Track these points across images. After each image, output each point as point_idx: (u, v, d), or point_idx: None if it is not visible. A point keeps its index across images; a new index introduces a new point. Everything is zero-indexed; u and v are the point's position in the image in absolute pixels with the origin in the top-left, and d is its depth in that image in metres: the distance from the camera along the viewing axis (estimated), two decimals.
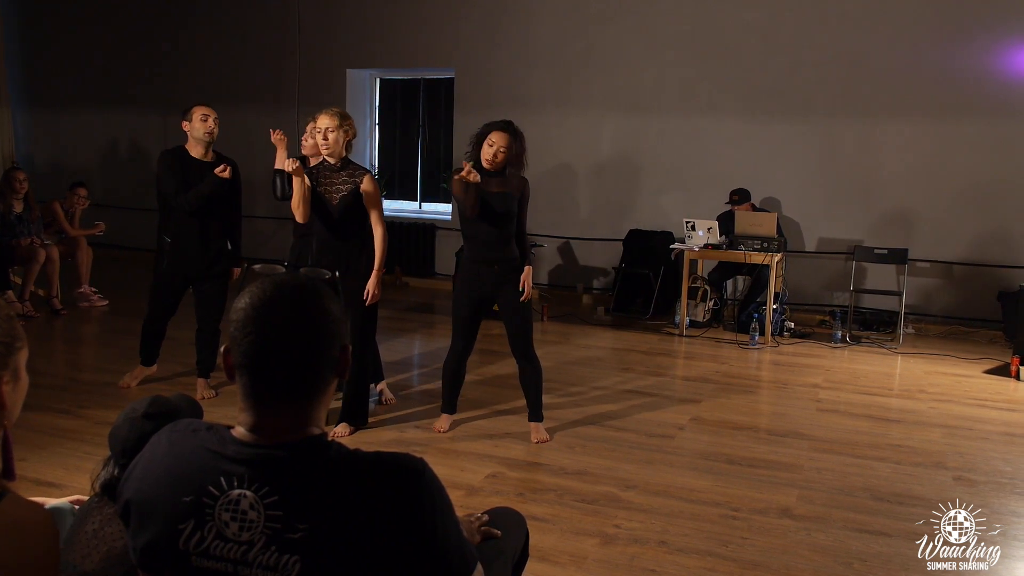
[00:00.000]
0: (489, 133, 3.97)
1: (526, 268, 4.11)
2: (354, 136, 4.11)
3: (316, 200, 4.07)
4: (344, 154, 4.08)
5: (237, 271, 4.89)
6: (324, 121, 4.01)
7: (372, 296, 4.11)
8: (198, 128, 4.62)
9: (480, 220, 3.99)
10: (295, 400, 1.27)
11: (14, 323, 1.28)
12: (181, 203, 4.58)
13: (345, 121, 4.04)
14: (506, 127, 3.98)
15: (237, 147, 9.36)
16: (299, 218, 4.05)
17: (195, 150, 4.66)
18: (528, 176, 4.19)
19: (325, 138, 4.01)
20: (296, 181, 3.97)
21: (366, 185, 4.06)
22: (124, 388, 4.88)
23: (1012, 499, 3.63)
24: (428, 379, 5.35)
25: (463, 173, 3.80)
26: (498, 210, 4.00)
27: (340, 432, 4.18)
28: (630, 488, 3.63)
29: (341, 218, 4.06)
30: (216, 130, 4.65)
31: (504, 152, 3.96)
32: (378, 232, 4.12)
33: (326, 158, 4.08)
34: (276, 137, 4.91)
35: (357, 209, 4.08)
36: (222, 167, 4.57)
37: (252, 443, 1.26)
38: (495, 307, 4.21)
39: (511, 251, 4.10)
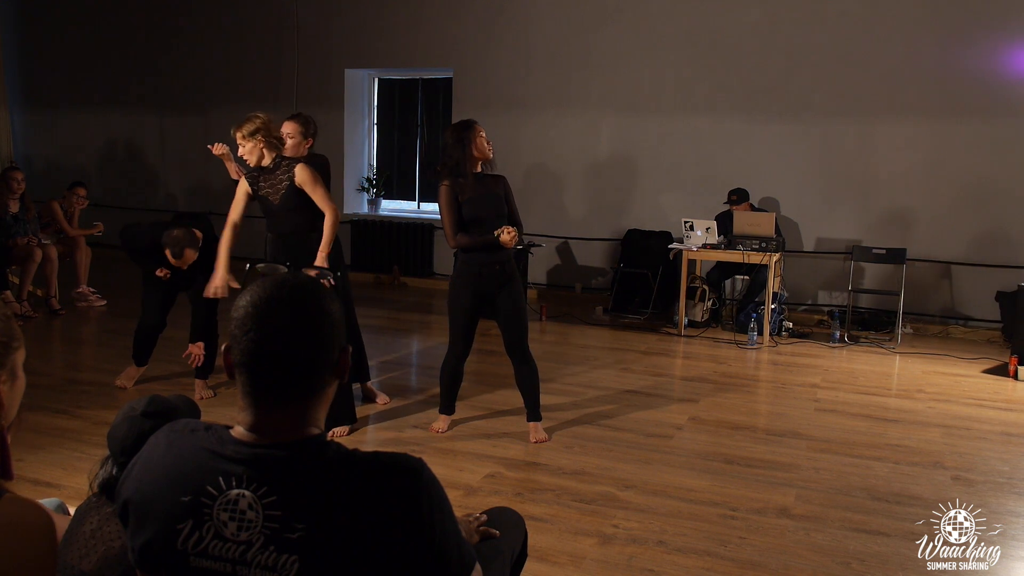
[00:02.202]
0: (474, 126, 3.99)
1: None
2: (277, 137, 4.06)
3: (263, 203, 4.12)
4: (276, 154, 4.06)
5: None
6: (237, 137, 4.01)
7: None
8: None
9: (482, 224, 3.99)
10: (294, 400, 1.27)
11: (11, 323, 1.27)
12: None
13: (254, 134, 3.97)
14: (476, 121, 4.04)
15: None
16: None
17: None
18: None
19: (242, 155, 4.05)
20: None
21: (298, 176, 4.02)
22: (120, 388, 4.88)
23: (1010, 499, 3.64)
24: (426, 379, 5.35)
25: (510, 239, 3.90)
26: (495, 211, 4.00)
27: (339, 432, 4.17)
28: (628, 488, 3.63)
29: (287, 215, 4.07)
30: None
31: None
32: (327, 214, 4.04)
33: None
34: (217, 151, 4.84)
35: (302, 204, 4.05)
36: (162, 272, 4.59)
37: (251, 443, 1.26)
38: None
39: (509, 251, 4.10)
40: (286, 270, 3.89)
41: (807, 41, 7.49)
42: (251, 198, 4.16)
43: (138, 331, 4.89)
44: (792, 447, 4.22)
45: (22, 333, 1.30)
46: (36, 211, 7.21)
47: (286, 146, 4.60)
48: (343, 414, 4.24)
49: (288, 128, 4.58)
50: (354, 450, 1.29)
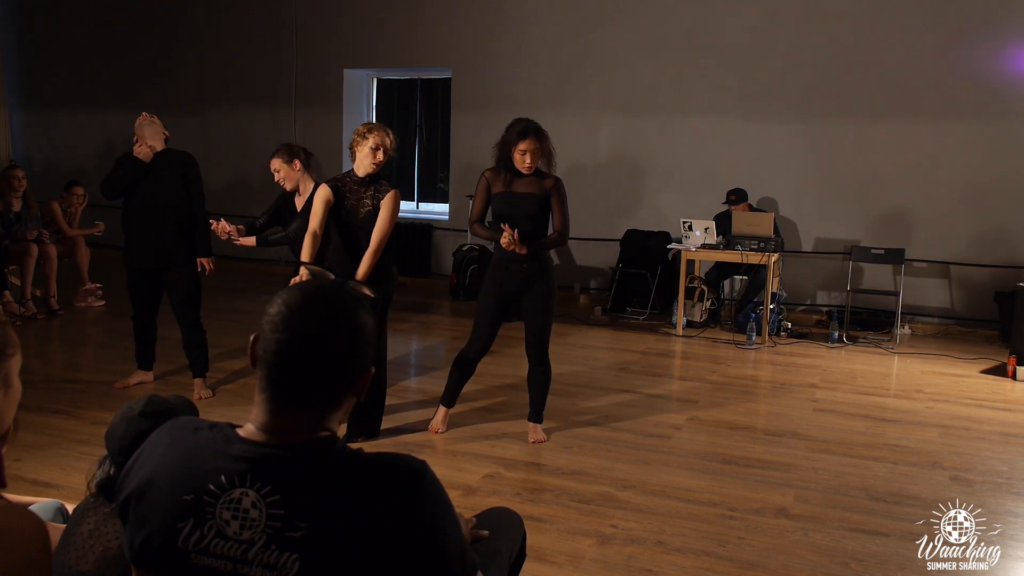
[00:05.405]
0: (518, 142, 3.94)
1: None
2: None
3: (338, 214, 4.01)
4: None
5: (205, 261, 4.67)
6: (379, 139, 3.95)
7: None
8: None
9: (507, 220, 3.97)
10: (307, 407, 1.27)
11: (6, 329, 1.26)
12: (103, 188, 4.62)
13: (387, 137, 3.99)
14: (533, 132, 3.95)
15: (235, 147, 9.38)
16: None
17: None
18: None
19: (374, 157, 3.97)
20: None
21: (386, 200, 3.99)
22: (118, 388, 4.89)
23: (1009, 499, 3.64)
24: (425, 379, 5.35)
25: (507, 243, 3.87)
26: (522, 211, 3.98)
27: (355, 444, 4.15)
28: (627, 488, 3.63)
29: (363, 235, 4.00)
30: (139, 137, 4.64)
31: (536, 155, 3.95)
32: (375, 237, 3.96)
33: (355, 171, 4.05)
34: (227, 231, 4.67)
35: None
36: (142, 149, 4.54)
37: (258, 442, 1.26)
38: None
39: (539, 253, 4.03)
40: (333, 277, 3.85)
41: (806, 41, 7.49)
42: (330, 207, 3.99)
43: (132, 321, 4.93)
44: (791, 447, 4.22)
45: (17, 340, 1.29)
46: (38, 209, 7.21)
47: (286, 187, 4.65)
48: (367, 426, 4.21)
49: (276, 164, 4.65)
50: (358, 450, 1.29)
